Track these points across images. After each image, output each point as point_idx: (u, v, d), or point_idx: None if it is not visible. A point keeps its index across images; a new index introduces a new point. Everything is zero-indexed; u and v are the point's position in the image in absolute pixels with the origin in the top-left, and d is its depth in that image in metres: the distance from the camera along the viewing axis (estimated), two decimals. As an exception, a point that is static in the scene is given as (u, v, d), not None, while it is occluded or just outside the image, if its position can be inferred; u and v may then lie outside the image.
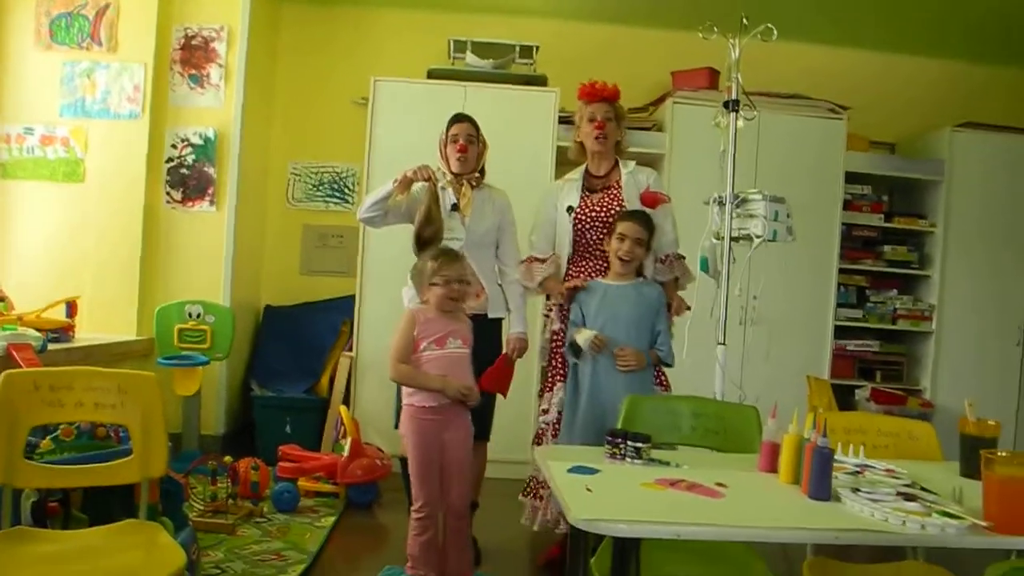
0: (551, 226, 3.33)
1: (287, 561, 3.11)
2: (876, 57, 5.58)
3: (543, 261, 3.28)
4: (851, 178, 5.06)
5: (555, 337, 3.29)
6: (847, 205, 5.11)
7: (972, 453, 2.09)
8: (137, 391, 2.22)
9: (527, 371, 4.35)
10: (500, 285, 3.33)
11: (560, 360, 3.24)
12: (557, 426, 3.19)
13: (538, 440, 3.28)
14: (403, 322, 2.86)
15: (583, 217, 3.23)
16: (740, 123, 3.14)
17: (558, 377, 3.23)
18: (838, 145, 4.95)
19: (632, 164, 3.33)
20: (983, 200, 5.13)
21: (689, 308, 3.21)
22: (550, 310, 3.36)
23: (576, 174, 3.36)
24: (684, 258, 3.26)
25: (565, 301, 3.21)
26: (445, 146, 3.27)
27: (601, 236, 3.19)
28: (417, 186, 3.15)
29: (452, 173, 3.25)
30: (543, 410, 3.27)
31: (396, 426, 3.23)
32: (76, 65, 4.47)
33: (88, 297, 4.29)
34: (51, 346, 3.57)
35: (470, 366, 2.87)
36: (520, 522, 3.34)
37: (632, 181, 3.26)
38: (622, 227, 3.04)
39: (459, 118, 3.30)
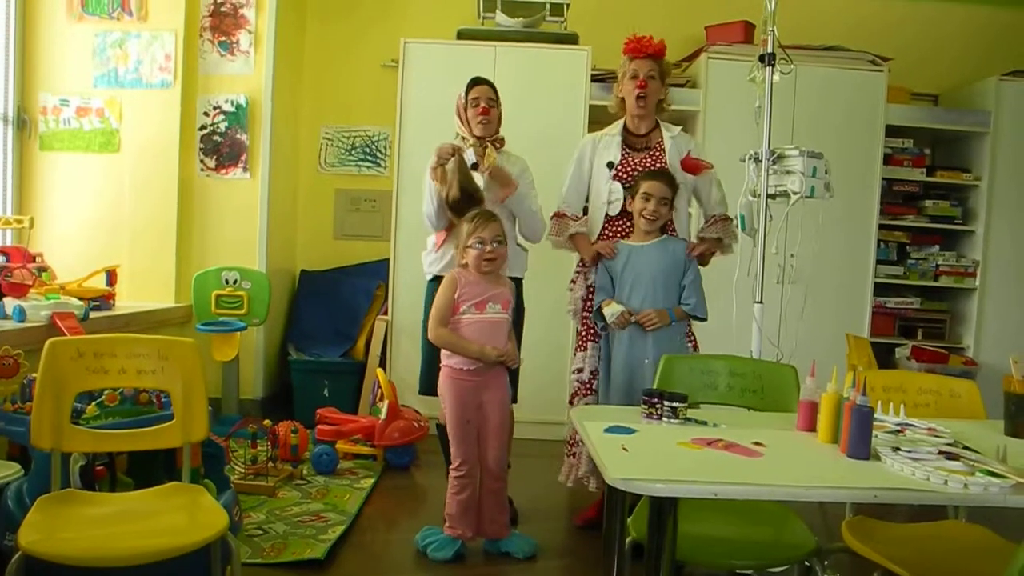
0: (584, 182, 3.29)
1: (327, 522, 3.16)
2: (918, 5, 5.41)
3: (575, 220, 3.26)
4: (892, 131, 4.94)
5: (589, 295, 3.28)
6: (887, 159, 4.99)
7: (1018, 411, 2.06)
8: (178, 357, 2.25)
9: (561, 333, 4.35)
10: (519, 245, 3.31)
11: (591, 321, 3.24)
12: (589, 385, 3.21)
13: (572, 399, 3.31)
14: (444, 284, 2.89)
15: (624, 175, 3.19)
16: (776, 77, 3.07)
17: (589, 337, 3.24)
18: (878, 98, 4.82)
19: (677, 129, 3.29)
20: (1031, 152, 4.97)
21: (713, 252, 3.17)
22: (582, 265, 3.33)
23: (614, 129, 3.30)
24: (731, 220, 3.21)
25: (591, 264, 3.19)
26: (465, 110, 3.23)
27: None
28: (450, 165, 3.12)
29: (475, 136, 3.22)
30: (576, 369, 3.28)
31: (421, 391, 3.27)
32: (108, 35, 4.48)
33: (127, 266, 4.36)
34: (93, 314, 3.64)
35: (508, 331, 2.90)
36: (557, 480, 3.37)
37: (675, 146, 3.21)
38: (647, 186, 3.01)
39: (478, 81, 3.26)
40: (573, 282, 3.34)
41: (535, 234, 3.31)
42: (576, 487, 3.31)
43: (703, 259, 3.19)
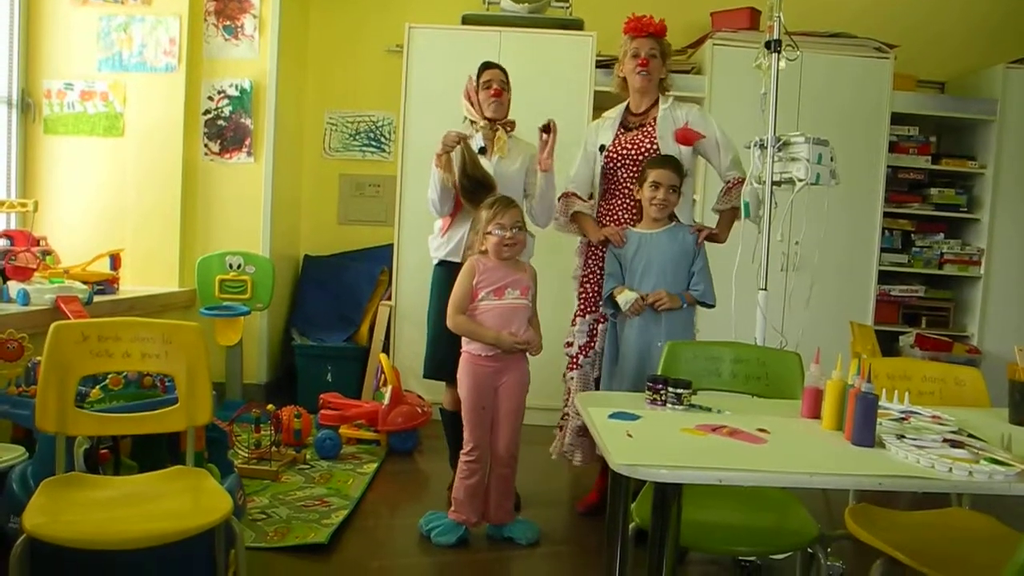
0: (589, 166, 3.30)
1: (330, 507, 3.18)
2: (925, -8, 5.38)
3: (583, 201, 3.27)
4: (897, 119, 4.91)
5: (583, 272, 3.32)
6: (893, 147, 4.96)
7: (1022, 400, 2.06)
8: (182, 341, 2.25)
9: (562, 318, 4.35)
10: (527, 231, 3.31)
11: (584, 295, 3.29)
12: (575, 360, 3.27)
13: (566, 373, 3.35)
14: (463, 272, 2.90)
15: (614, 155, 3.20)
16: (782, 64, 3.05)
17: (578, 313, 3.30)
18: (884, 85, 4.80)
19: (671, 99, 3.26)
20: (1037, 140, 4.94)
21: (715, 231, 3.16)
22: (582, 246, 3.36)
23: (615, 112, 3.31)
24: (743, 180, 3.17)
25: (598, 245, 3.19)
26: (477, 92, 3.23)
27: (631, 175, 3.15)
28: (455, 152, 3.10)
29: (486, 119, 3.21)
30: (567, 343, 3.33)
31: (425, 375, 3.28)
32: (112, 19, 4.47)
33: (131, 250, 4.36)
34: (97, 298, 3.65)
35: (529, 317, 2.91)
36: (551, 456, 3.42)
37: (668, 117, 3.19)
38: (655, 175, 2.99)
39: (490, 65, 3.27)
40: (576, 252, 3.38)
41: (547, 218, 3.30)
42: (560, 460, 3.37)
43: (719, 237, 3.17)
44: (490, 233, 2.83)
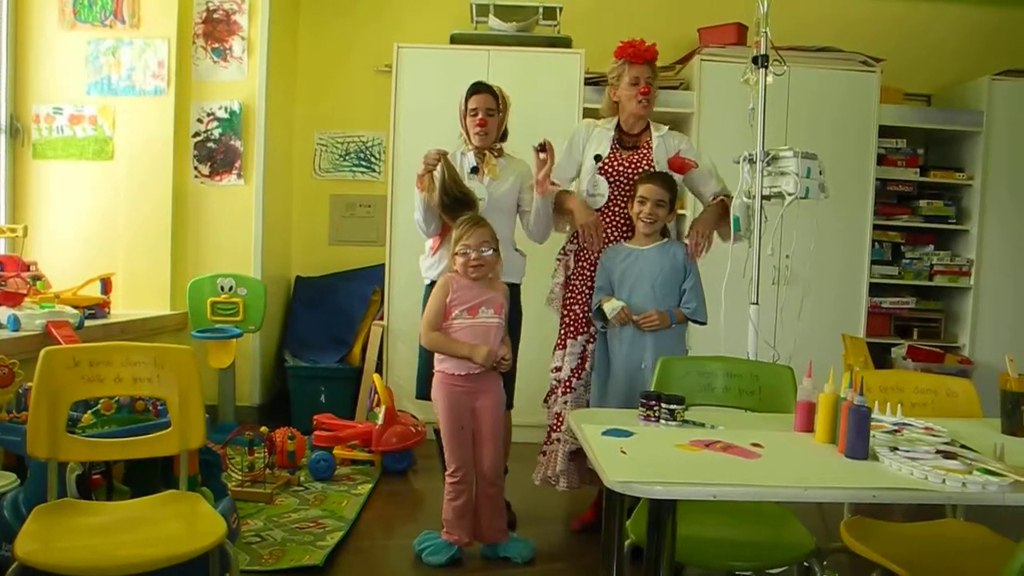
0: (574, 162, 3.30)
1: (325, 528, 3.16)
2: (910, 6, 5.43)
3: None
4: (885, 132, 4.95)
5: (567, 291, 3.28)
6: (881, 160, 4.99)
7: (1014, 410, 2.07)
8: (174, 365, 2.24)
9: (554, 335, 4.35)
10: (518, 251, 3.30)
11: (572, 316, 3.24)
12: (568, 384, 3.21)
13: (548, 397, 3.31)
14: (436, 288, 2.89)
15: (610, 171, 3.20)
16: (770, 79, 3.07)
17: (570, 334, 3.24)
18: (871, 98, 4.84)
19: (665, 128, 3.28)
20: (1023, 151, 4.98)
21: (709, 246, 3.17)
22: (563, 253, 3.33)
23: (608, 124, 3.30)
24: (730, 197, 3.17)
25: (592, 243, 3.16)
26: (464, 117, 3.22)
27: (623, 192, 3.16)
28: (436, 171, 3.10)
29: (473, 146, 3.21)
30: (555, 368, 3.28)
31: (417, 395, 3.25)
32: (100, 43, 4.48)
33: (121, 273, 4.35)
34: (88, 323, 3.63)
35: (501, 335, 2.89)
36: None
37: (663, 145, 3.22)
38: (643, 189, 3.02)
39: (477, 89, 3.20)
40: (560, 257, 3.33)
41: (542, 235, 3.29)
42: (544, 486, 3.31)
43: (698, 228, 3.17)
44: (457, 253, 2.83)
